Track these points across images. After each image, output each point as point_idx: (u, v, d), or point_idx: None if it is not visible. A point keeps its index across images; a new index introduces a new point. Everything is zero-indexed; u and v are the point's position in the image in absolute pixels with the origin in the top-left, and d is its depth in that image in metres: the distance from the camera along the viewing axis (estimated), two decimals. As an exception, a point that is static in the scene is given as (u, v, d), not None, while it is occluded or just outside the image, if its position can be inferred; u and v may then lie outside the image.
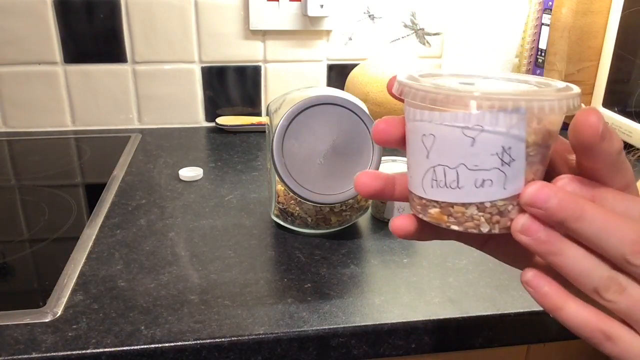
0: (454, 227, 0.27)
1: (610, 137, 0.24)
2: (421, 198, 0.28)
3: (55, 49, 0.87)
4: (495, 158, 0.25)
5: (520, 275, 0.27)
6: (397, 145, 0.31)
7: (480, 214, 0.27)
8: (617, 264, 0.24)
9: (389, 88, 0.29)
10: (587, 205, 0.24)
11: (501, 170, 0.25)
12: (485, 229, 0.27)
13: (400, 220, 0.30)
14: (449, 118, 0.25)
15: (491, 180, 0.26)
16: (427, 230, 0.31)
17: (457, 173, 0.26)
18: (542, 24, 0.92)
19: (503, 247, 0.32)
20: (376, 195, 0.31)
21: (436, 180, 0.27)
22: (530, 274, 0.26)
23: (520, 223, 0.25)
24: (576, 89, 0.26)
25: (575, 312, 0.25)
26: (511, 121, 0.24)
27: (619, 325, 0.25)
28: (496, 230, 0.27)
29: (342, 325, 0.45)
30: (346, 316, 0.46)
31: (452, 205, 0.27)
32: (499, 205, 0.26)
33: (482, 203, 0.26)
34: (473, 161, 0.26)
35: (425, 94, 0.25)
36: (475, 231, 0.27)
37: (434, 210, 0.28)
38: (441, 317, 0.47)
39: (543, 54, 0.92)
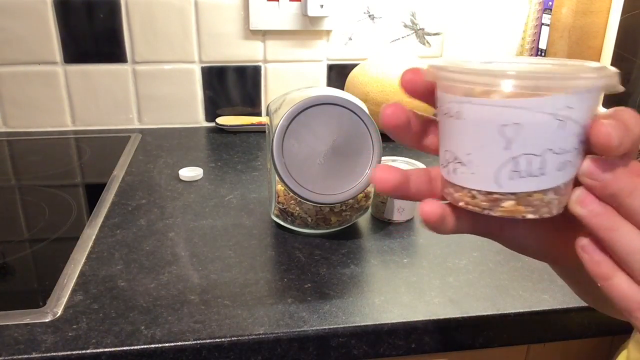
0: (530, 216, 0.26)
1: (631, 138, 0.24)
2: (491, 193, 0.26)
3: (55, 49, 0.87)
4: (576, 138, 0.25)
5: (576, 242, 0.27)
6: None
7: (556, 197, 0.26)
8: None
9: (415, 81, 0.28)
10: None
11: (578, 150, 0.25)
12: (555, 210, 0.26)
13: (431, 205, 0.28)
14: (545, 103, 0.24)
15: (570, 161, 0.25)
16: (454, 222, 0.30)
17: (544, 159, 0.25)
18: (542, 24, 0.92)
19: (519, 236, 0.31)
20: (395, 190, 0.29)
21: (518, 171, 0.25)
22: (586, 240, 0.26)
23: (576, 194, 0.25)
24: (614, 69, 0.26)
25: (623, 284, 0.25)
26: (593, 100, 0.24)
27: None
28: (559, 211, 0.26)
29: (342, 325, 0.45)
30: (346, 316, 0.46)
31: (531, 194, 0.26)
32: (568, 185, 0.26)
33: (558, 186, 0.26)
34: (560, 145, 0.25)
35: (519, 81, 0.24)
36: (547, 215, 0.26)
37: (508, 203, 0.26)
38: (441, 317, 0.47)
39: (543, 54, 0.92)
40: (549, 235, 0.31)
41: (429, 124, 0.30)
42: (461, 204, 0.27)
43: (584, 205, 0.25)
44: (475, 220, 0.29)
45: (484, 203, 0.27)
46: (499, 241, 0.32)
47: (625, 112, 0.24)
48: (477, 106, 0.25)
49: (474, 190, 0.27)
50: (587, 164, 0.25)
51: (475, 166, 0.26)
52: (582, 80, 0.24)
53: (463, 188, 0.27)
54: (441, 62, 0.27)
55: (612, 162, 0.25)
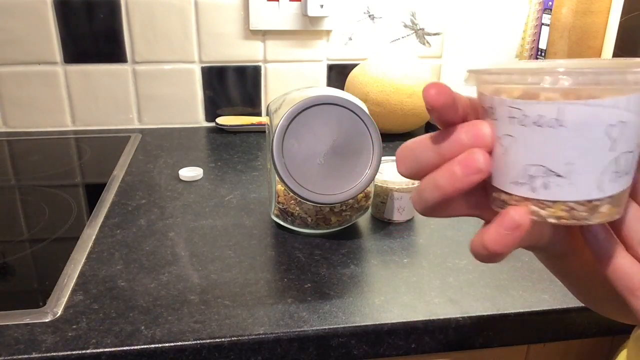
0: (617, 217, 0.26)
1: None
2: (591, 201, 0.25)
3: (55, 49, 0.87)
4: None
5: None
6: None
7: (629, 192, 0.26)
8: None
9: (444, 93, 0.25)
10: None
11: None
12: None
13: (520, 213, 0.25)
14: None
15: None
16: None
17: (635, 155, 0.25)
18: (542, 24, 0.92)
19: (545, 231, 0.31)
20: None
21: (617, 171, 0.24)
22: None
23: None
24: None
25: (626, 264, 0.26)
26: None
27: None
28: None
29: (342, 325, 0.45)
30: (346, 316, 0.46)
31: (622, 192, 0.25)
32: None
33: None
34: None
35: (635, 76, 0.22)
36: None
37: (606, 207, 0.25)
38: (441, 317, 0.47)
39: (543, 54, 0.92)
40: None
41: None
42: (552, 220, 0.25)
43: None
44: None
45: (584, 213, 0.25)
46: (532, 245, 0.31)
47: None
48: (584, 108, 0.23)
49: (571, 202, 0.25)
50: None
51: (577, 175, 0.24)
52: None
53: (555, 202, 0.25)
54: (486, 67, 0.25)
55: None
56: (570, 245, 0.32)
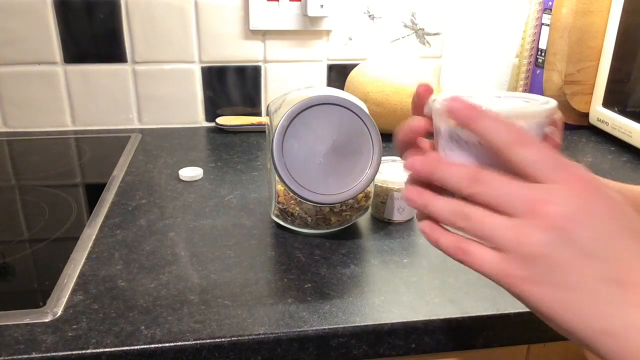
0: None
1: None
2: None
3: (55, 49, 0.87)
4: None
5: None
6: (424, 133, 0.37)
7: None
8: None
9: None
10: (440, 164, 0.33)
11: None
12: None
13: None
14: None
15: None
16: None
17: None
18: (542, 24, 0.92)
19: None
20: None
21: None
22: (422, 224, 0.35)
23: (406, 193, 0.35)
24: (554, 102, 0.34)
25: (445, 239, 0.34)
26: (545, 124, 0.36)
27: (473, 243, 0.32)
28: None
29: (342, 325, 0.45)
30: (346, 316, 0.46)
31: None
32: None
33: None
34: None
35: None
36: None
37: None
38: (441, 317, 0.47)
39: (543, 54, 0.92)
40: None
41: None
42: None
43: (405, 197, 0.34)
44: None
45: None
46: None
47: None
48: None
49: None
50: (407, 161, 0.34)
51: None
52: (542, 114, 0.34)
53: None
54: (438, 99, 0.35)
55: (421, 158, 0.34)
56: None
